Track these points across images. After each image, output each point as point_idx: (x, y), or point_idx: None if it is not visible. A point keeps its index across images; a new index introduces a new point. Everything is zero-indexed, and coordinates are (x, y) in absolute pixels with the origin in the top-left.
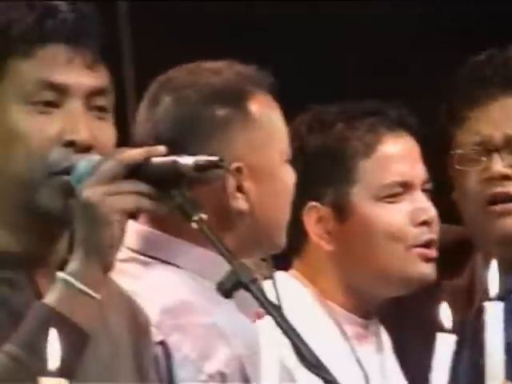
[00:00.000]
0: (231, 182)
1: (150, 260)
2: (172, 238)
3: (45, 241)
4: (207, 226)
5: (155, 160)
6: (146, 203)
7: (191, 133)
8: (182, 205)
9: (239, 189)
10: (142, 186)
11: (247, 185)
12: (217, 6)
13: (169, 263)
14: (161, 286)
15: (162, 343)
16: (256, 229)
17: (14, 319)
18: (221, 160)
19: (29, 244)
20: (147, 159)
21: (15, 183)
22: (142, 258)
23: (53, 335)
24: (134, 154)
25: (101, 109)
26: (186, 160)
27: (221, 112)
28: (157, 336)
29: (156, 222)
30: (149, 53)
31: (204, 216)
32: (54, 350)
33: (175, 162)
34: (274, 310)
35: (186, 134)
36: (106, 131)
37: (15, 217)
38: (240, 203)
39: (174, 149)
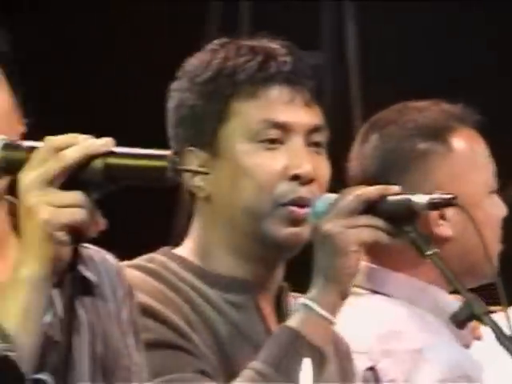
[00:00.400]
0: None
1: (363, 291)
2: (384, 269)
3: (267, 268)
4: (441, 260)
5: (390, 198)
6: (382, 236)
7: (393, 166)
8: (415, 240)
9: (442, 216)
10: (378, 221)
11: (450, 213)
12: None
13: (380, 293)
14: (373, 314)
15: (372, 369)
16: (461, 257)
17: (243, 339)
18: (454, 197)
19: (254, 270)
20: (383, 196)
21: (244, 214)
22: (355, 289)
23: (306, 361)
24: (371, 191)
25: (317, 144)
26: (420, 198)
27: (422, 145)
28: (367, 362)
29: (369, 254)
30: (377, 94)
31: (437, 250)
32: (306, 375)
33: (409, 200)
34: (509, 342)
35: (388, 168)
36: (323, 165)
37: (243, 245)
38: (443, 230)
39: (378, 183)
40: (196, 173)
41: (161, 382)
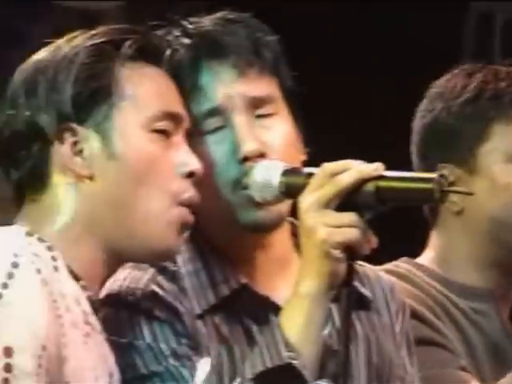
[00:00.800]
0: None
1: None
2: None
3: (510, 278)
4: None
5: None
6: None
7: None
8: None
9: None
10: None
11: None
12: None
13: None
14: None
15: None
16: None
17: (491, 346)
18: None
19: (497, 280)
20: None
21: (505, 228)
22: None
23: None
24: None
25: None
26: None
27: None
28: None
29: None
30: None
31: None
32: None
33: None
34: None
35: None
36: None
37: (497, 257)
38: None
39: None
40: (461, 194)
41: (423, 376)
